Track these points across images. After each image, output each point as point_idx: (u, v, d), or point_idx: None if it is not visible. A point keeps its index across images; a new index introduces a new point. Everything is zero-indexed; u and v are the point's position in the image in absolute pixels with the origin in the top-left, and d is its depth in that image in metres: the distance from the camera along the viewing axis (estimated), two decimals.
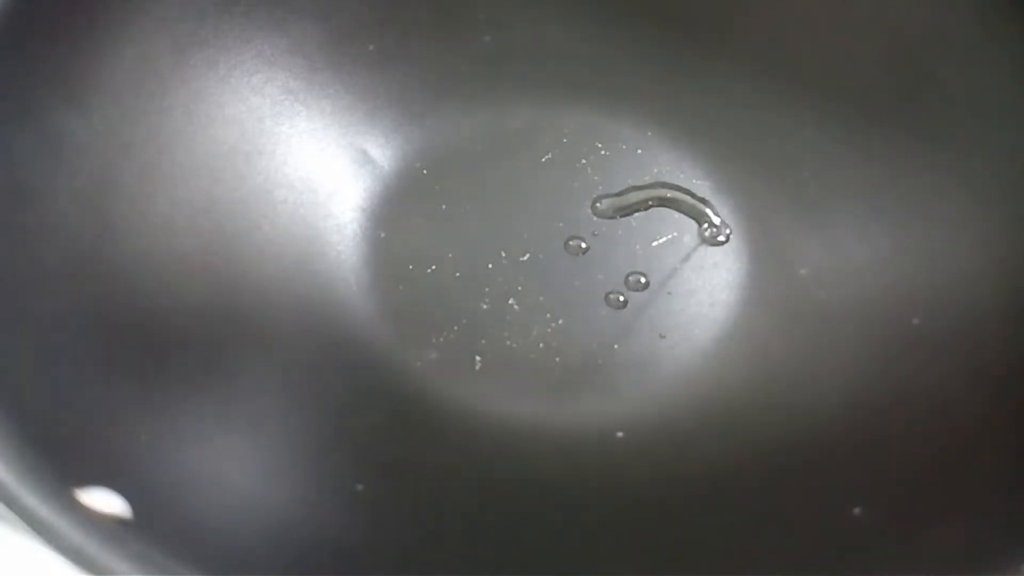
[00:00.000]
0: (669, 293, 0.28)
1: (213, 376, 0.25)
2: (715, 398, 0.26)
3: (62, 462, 0.20)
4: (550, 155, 0.30)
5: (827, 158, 0.28)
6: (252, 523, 0.22)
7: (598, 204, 0.29)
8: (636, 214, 0.29)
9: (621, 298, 0.28)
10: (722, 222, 0.29)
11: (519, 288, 0.28)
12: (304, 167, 0.29)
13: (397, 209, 0.29)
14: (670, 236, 0.29)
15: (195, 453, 0.23)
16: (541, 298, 0.28)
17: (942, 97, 0.26)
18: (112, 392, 0.23)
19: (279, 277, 0.27)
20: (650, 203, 0.29)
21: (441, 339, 0.28)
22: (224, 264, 0.27)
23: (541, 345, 0.28)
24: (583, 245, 0.29)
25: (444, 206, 0.30)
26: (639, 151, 0.30)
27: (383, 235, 0.29)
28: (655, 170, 0.30)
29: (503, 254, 0.29)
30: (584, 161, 0.30)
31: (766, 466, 0.24)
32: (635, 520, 0.24)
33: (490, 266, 0.29)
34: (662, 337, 0.28)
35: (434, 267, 0.29)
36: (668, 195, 0.29)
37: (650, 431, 0.26)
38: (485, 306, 0.28)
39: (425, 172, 0.30)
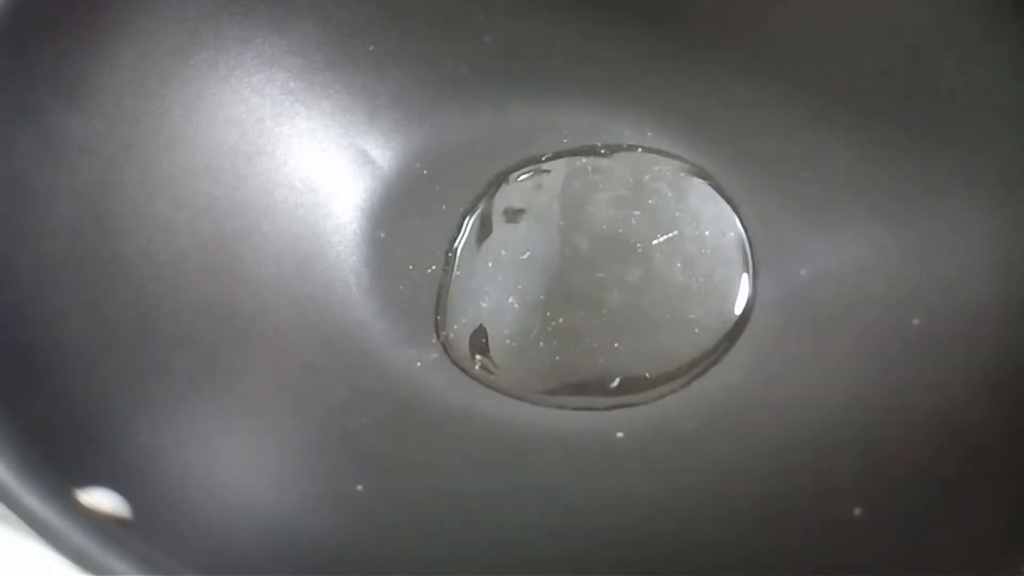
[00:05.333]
0: (670, 292, 0.28)
1: (213, 376, 0.25)
2: (715, 398, 0.26)
3: (62, 462, 0.20)
4: (550, 155, 0.30)
5: (827, 158, 0.28)
6: (252, 523, 0.22)
7: (598, 203, 0.29)
8: (636, 212, 0.29)
9: (621, 296, 0.28)
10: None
11: (519, 287, 0.28)
12: (304, 167, 0.29)
13: (397, 209, 0.29)
14: (671, 234, 0.29)
15: (195, 453, 0.23)
16: (541, 297, 0.28)
17: (942, 97, 0.26)
18: (112, 392, 0.23)
19: (279, 277, 0.27)
20: (650, 201, 0.29)
21: (441, 339, 0.28)
22: (224, 264, 0.27)
23: (541, 344, 0.28)
24: (583, 244, 0.29)
25: (444, 206, 0.30)
26: (639, 151, 0.30)
27: (383, 235, 0.29)
28: (656, 169, 0.30)
29: (503, 252, 0.29)
30: (584, 160, 0.30)
31: (766, 466, 0.24)
32: (635, 520, 0.24)
33: (490, 265, 0.29)
34: (662, 335, 0.28)
35: (434, 267, 0.29)
36: (668, 193, 0.29)
37: (650, 431, 0.26)
38: (485, 305, 0.28)
39: (425, 172, 0.30)
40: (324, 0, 0.28)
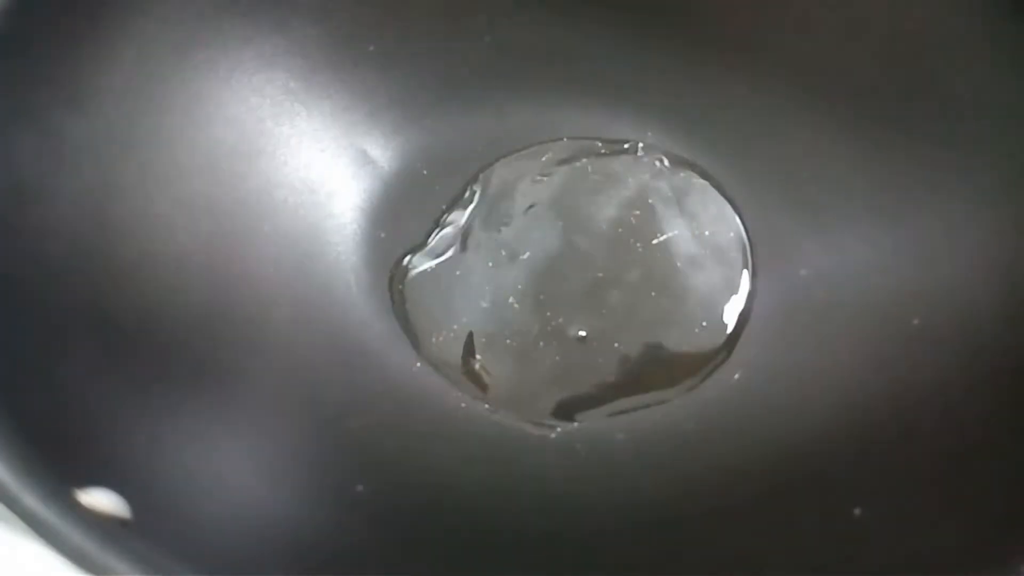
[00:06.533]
0: (670, 291, 0.28)
1: (213, 376, 0.25)
2: (715, 398, 0.26)
3: (62, 462, 0.20)
4: (550, 155, 0.30)
5: (827, 158, 0.28)
6: (252, 523, 0.22)
7: (598, 203, 0.29)
8: (636, 212, 0.29)
9: (621, 296, 0.28)
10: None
11: (519, 287, 0.28)
12: (304, 167, 0.29)
13: (397, 209, 0.29)
14: (671, 234, 0.29)
15: (195, 453, 0.23)
16: (541, 297, 0.28)
17: (942, 97, 0.26)
18: (112, 392, 0.23)
19: (279, 277, 0.27)
20: (650, 201, 0.29)
21: (441, 339, 0.28)
22: (224, 264, 0.27)
23: (541, 344, 0.28)
24: (583, 243, 0.29)
25: (444, 206, 0.30)
26: (639, 151, 0.30)
27: (383, 235, 0.29)
28: (656, 168, 0.30)
29: (503, 252, 0.29)
30: (584, 160, 0.30)
31: (766, 467, 0.24)
32: (635, 520, 0.24)
33: (490, 264, 0.29)
34: (662, 335, 0.28)
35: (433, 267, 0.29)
36: (668, 193, 0.29)
37: (650, 431, 0.26)
38: (485, 305, 0.28)
39: (425, 172, 0.30)
40: (324, 0, 0.28)
